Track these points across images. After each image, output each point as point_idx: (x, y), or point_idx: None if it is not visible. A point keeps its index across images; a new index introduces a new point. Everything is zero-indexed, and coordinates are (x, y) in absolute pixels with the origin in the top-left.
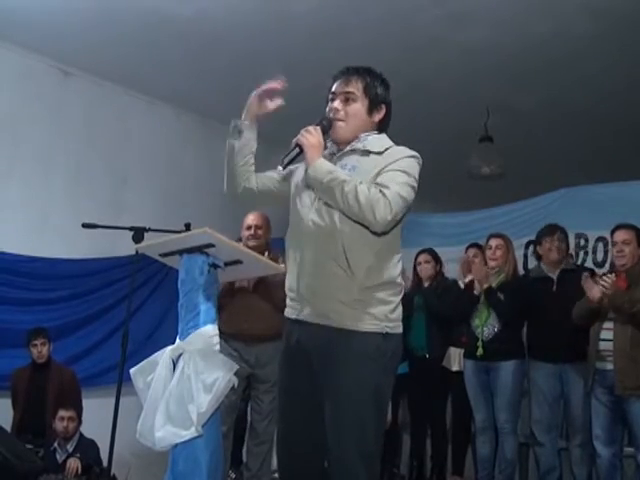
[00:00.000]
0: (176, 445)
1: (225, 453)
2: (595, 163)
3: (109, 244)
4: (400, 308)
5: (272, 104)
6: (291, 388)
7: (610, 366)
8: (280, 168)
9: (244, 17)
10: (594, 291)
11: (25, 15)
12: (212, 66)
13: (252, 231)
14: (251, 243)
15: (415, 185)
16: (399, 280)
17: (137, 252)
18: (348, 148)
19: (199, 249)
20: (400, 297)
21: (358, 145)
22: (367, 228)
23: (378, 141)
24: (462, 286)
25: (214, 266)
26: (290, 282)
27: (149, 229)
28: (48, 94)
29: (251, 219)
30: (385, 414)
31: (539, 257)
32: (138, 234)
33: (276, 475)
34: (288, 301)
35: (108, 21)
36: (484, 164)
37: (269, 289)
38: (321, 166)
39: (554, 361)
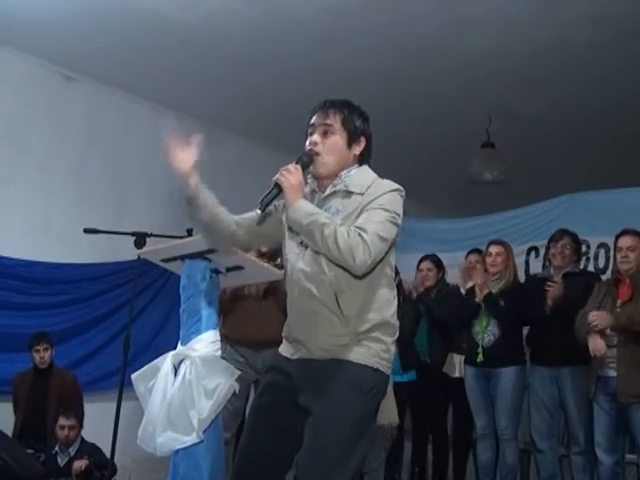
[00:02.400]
0: (177, 451)
1: (228, 459)
2: (597, 169)
3: (110, 249)
4: (393, 349)
5: (188, 153)
6: (268, 407)
7: (613, 373)
8: (258, 211)
9: (247, 23)
10: (599, 346)
11: (27, 20)
12: (215, 72)
13: None
14: (265, 248)
15: (397, 220)
16: (393, 320)
17: (139, 257)
18: (330, 190)
19: (201, 255)
20: (394, 338)
21: (340, 186)
22: (349, 271)
23: (360, 178)
24: (463, 292)
25: (216, 272)
26: (287, 323)
27: (151, 234)
28: (50, 98)
29: None
30: (364, 448)
31: (549, 259)
32: (140, 239)
33: None
34: (284, 339)
35: (110, 26)
36: (486, 170)
37: (279, 296)
38: (301, 208)
39: (550, 364)
